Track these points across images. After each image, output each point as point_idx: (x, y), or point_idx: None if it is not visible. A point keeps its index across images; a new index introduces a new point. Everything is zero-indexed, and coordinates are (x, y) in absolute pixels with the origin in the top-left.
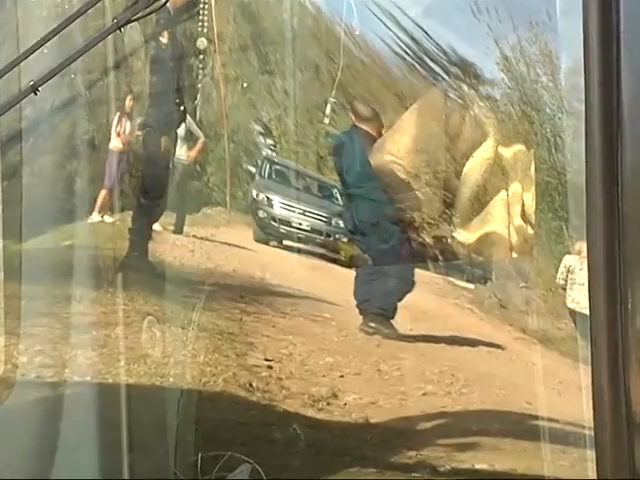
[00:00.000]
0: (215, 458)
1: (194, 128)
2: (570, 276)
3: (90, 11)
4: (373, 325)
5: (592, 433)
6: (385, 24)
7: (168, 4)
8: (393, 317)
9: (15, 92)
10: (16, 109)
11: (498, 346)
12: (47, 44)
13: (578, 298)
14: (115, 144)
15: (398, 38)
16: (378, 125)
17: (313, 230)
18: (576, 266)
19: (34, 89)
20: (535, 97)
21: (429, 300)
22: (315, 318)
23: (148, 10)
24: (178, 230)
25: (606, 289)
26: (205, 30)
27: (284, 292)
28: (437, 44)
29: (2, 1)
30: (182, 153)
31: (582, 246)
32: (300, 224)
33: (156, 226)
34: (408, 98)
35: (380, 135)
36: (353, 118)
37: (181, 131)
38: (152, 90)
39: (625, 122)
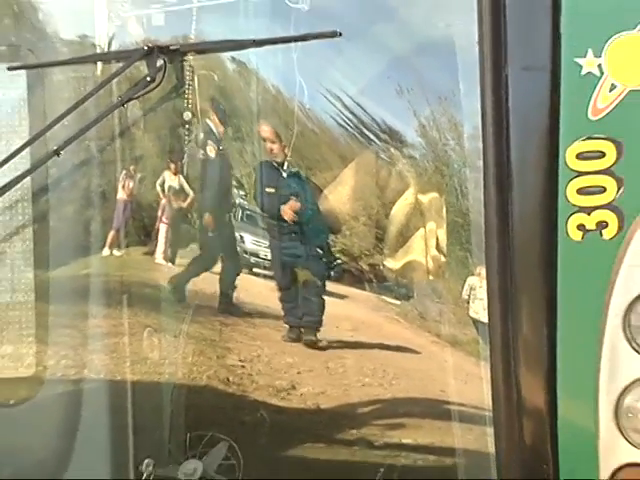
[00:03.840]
0: (200, 437)
1: (185, 186)
2: (472, 292)
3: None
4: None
5: (491, 414)
6: (330, 101)
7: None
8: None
9: (43, 155)
10: (44, 168)
11: (418, 348)
12: (68, 117)
13: (478, 309)
14: (121, 195)
15: (340, 112)
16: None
17: None
18: (477, 285)
19: (57, 152)
20: (445, 156)
21: (366, 313)
22: (278, 328)
23: (144, 91)
24: (171, 261)
25: (500, 303)
26: (190, 105)
27: (254, 309)
28: (371, 117)
29: (34, 86)
30: (175, 203)
31: (482, 270)
32: (266, 255)
33: (159, 259)
34: (348, 158)
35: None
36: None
37: (175, 185)
38: (149, 153)
39: (513, 176)
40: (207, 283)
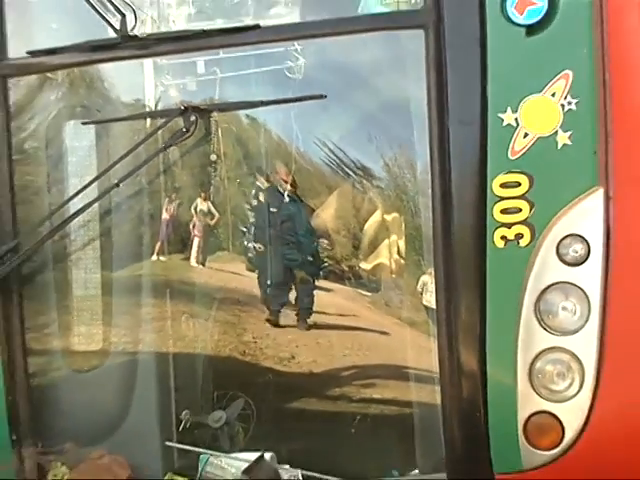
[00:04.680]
0: (224, 395)
1: (212, 209)
2: (424, 287)
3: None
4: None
5: (438, 376)
6: (318, 146)
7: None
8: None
9: (107, 186)
10: (108, 196)
11: (385, 328)
12: (125, 158)
13: (429, 299)
14: (165, 216)
15: (327, 154)
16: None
17: None
18: (428, 281)
19: (117, 184)
20: (403, 186)
21: (346, 302)
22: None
23: (181, 139)
24: (202, 264)
25: (444, 294)
26: (215, 150)
27: (266, 298)
28: (349, 158)
29: (100, 136)
30: (205, 221)
31: (431, 270)
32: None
33: (193, 263)
34: (332, 188)
35: None
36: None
37: (204, 208)
38: (185, 185)
39: (454, 201)
40: (228, 281)
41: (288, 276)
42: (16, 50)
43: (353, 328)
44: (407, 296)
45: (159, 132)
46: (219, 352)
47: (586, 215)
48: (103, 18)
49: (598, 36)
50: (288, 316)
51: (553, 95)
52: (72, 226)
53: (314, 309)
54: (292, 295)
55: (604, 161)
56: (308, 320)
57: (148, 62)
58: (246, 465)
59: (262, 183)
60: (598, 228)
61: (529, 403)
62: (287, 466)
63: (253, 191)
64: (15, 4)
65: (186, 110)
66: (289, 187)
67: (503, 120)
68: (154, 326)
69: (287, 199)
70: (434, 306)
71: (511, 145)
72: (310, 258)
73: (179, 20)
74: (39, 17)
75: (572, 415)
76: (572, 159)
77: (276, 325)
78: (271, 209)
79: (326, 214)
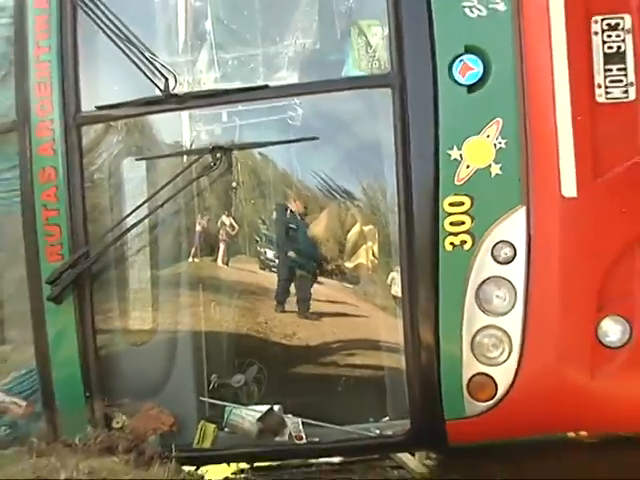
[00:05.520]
0: (243, 362)
1: (234, 223)
2: (393, 280)
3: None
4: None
5: (404, 348)
6: (314, 176)
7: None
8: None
9: (154, 207)
10: (155, 214)
11: (364, 312)
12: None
13: (397, 290)
14: (198, 228)
15: (319, 182)
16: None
17: None
18: (396, 276)
19: (162, 205)
20: (377, 205)
21: (335, 293)
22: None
23: (209, 171)
24: (226, 264)
25: (408, 287)
26: (235, 179)
27: (274, 289)
28: (337, 185)
29: (150, 169)
30: (228, 232)
31: (398, 268)
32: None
33: (220, 263)
34: (324, 207)
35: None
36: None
37: (227, 222)
38: (213, 205)
39: (414, 216)
40: (246, 277)
41: (291, 273)
42: (87, 105)
43: (339, 312)
44: (380, 288)
45: (193, 166)
46: (239, 330)
47: (513, 226)
48: (152, 81)
49: (520, 93)
50: (291, 303)
51: (488, 137)
52: (128, 236)
53: (310, 298)
54: (293, 288)
55: (526, 186)
56: (305, 306)
57: (185, 113)
58: (260, 415)
59: (271, 204)
60: (522, 236)
61: (471, 367)
62: (290, 415)
63: (264, 209)
64: (85, 71)
65: (213, 149)
66: (293, 207)
67: (451, 155)
68: (190, 311)
69: (290, 216)
70: (400, 295)
71: (457, 174)
72: (307, 260)
73: (208, 82)
74: (103, 80)
75: (503, 376)
76: (502, 185)
77: (282, 311)
78: (278, 223)
79: (319, 227)
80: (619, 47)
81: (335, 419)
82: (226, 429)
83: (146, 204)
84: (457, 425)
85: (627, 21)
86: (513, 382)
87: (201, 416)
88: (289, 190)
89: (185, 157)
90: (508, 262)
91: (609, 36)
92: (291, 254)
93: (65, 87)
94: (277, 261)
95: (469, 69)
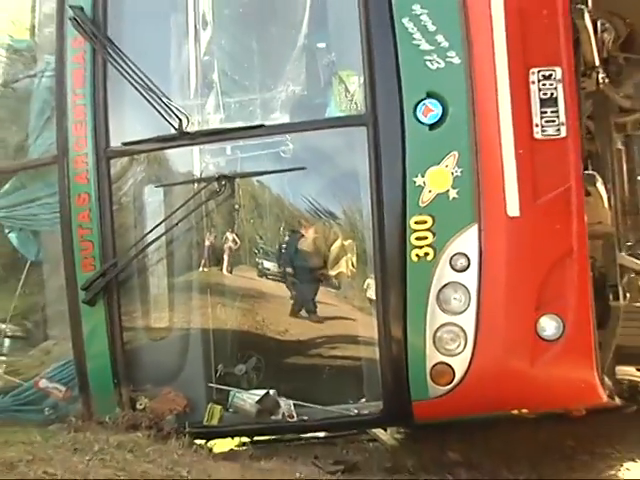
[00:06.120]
0: (244, 354)
1: (237, 239)
2: (369, 285)
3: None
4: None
5: (377, 342)
6: (302, 200)
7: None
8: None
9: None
10: (171, 232)
11: (346, 313)
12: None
13: (371, 294)
14: (207, 243)
15: (307, 205)
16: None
17: None
18: (371, 282)
19: (177, 223)
20: (355, 224)
21: (321, 297)
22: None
23: (216, 196)
24: (230, 273)
25: (382, 291)
26: (238, 202)
27: (270, 294)
28: (322, 208)
29: (167, 194)
30: (231, 246)
31: (372, 276)
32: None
33: (225, 272)
34: (311, 225)
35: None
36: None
37: (231, 238)
38: (219, 224)
39: (385, 233)
40: (246, 284)
41: (283, 280)
42: (115, 141)
43: (324, 312)
44: (357, 292)
45: (202, 191)
46: (240, 328)
47: (467, 240)
48: (168, 122)
49: (472, 130)
50: (283, 305)
51: (446, 166)
52: (149, 250)
53: (299, 301)
54: (285, 291)
55: (477, 207)
56: (295, 307)
57: (195, 148)
58: (258, 398)
59: (267, 223)
60: (475, 248)
61: (433, 357)
62: (284, 398)
63: (261, 227)
64: (113, 113)
65: (219, 178)
66: (285, 225)
67: (415, 182)
68: (200, 312)
69: (282, 232)
70: (374, 298)
71: (420, 197)
72: (297, 269)
73: (214, 122)
74: (128, 120)
75: (459, 364)
76: (458, 206)
77: (276, 311)
78: (273, 239)
79: (307, 242)
80: (552, 93)
81: (321, 401)
82: (230, 410)
83: (163, 223)
84: (421, 405)
85: (558, 72)
86: (468, 369)
87: (209, 399)
88: (281, 212)
89: (196, 184)
90: (463, 270)
91: (544, 84)
92: (283, 264)
93: (97, 127)
94: (272, 271)
95: (430, 111)
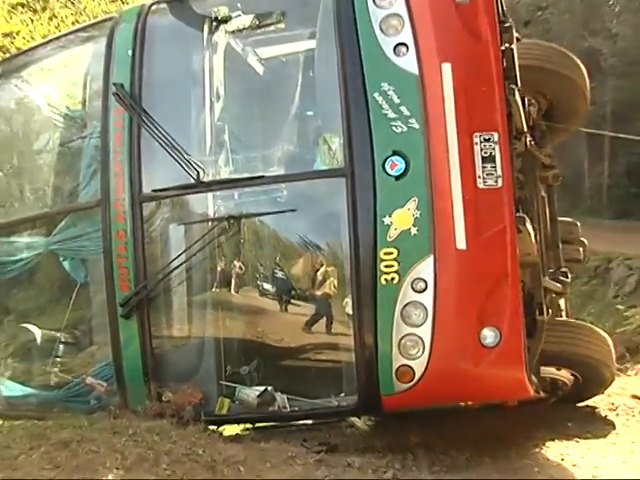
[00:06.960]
0: (247, 358)
1: (242, 265)
2: (347, 303)
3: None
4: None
5: (354, 347)
6: (294, 235)
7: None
8: None
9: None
10: (189, 261)
11: (330, 325)
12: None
13: (349, 310)
14: (219, 269)
15: (298, 239)
16: None
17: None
18: (349, 301)
19: (195, 254)
20: (337, 255)
21: (308, 311)
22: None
23: (225, 231)
24: (237, 292)
25: (357, 308)
26: (242, 236)
27: (269, 309)
28: (310, 240)
29: (188, 231)
30: (237, 271)
31: (350, 295)
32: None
33: (233, 292)
34: (300, 255)
35: None
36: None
37: (237, 265)
38: (227, 253)
39: (360, 263)
40: (250, 301)
41: (279, 299)
42: (146, 188)
43: (311, 324)
44: (338, 308)
45: (215, 228)
46: (245, 337)
47: (425, 268)
48: (189, 173)
49: (429, 181)
50: (279, 318)
51: (409, 209)
52: (173, 275)
53: (291, 315)
54: (281, 309)
55: (433, 242)
56: (289, 320)
57: (210, 194)
58: (258, 393)
59: (266, 253)
60: (431, 274)
61: (398, 360)
62: (279, 393)
63: (262, 257)
64: (145, 166)
65: (229, 218)
66: (280, 255)
67: (384, 221)
68: (213, 324)
69: (278, 261)
70: (351, 313)
71: (388, 234)
72: (289, 290)
73: (225, 173)
74: (157, 171)
75: (418, 366)
76: (418, 242)
77: (274, 323)
78: (270, 266)
79: (297, 267)
80: (491, 153)
81: (308, 395)
82: (236, 402)
83: (184, 253)
84: (389, 399)
85: (495, 136)
86: (425, 370)
87: (220, 393)
88: (277, 244)
89: (210, 223)
90: (422, 291)
91: (485, 145)
92: (279, 286)
93: (132, 177)
94: (269, 291)
95: (396, 165)
